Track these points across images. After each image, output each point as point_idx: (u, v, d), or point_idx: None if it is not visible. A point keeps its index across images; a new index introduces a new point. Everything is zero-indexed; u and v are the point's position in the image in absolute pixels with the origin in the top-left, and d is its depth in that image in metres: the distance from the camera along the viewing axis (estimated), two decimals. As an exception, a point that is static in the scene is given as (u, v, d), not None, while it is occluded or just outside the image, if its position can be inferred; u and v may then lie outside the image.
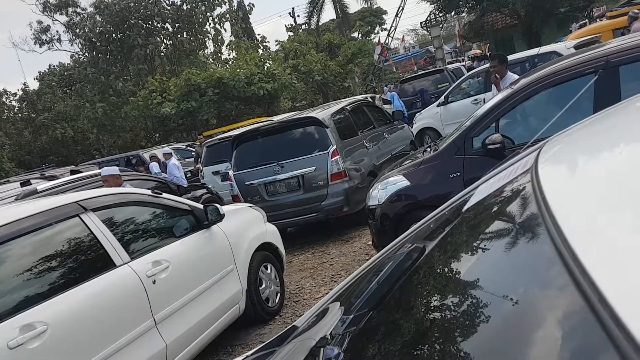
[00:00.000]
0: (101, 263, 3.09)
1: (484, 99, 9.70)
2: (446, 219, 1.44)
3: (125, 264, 3.20)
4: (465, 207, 1.34)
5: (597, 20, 17.32)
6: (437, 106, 11.43)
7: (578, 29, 16.07)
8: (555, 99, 3.93)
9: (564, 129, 1.30)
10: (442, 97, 11.51)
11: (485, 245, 1.09)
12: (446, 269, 1.20)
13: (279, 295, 4.75)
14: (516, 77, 5.70)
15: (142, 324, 3.12)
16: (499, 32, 28.39)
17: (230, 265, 4.12)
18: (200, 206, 4.12)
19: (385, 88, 17.90)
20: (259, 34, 31.99)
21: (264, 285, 4.53)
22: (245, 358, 1.56)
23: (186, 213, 3.99)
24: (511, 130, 4.11)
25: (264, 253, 4.65)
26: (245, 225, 4.57)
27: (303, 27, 38.14)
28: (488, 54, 17.71)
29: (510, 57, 10.01)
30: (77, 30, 26.32)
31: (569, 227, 0.68)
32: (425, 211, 1.66)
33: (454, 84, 11.84)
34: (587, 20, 21.89)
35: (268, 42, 29.55)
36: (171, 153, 10.98)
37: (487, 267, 1.02)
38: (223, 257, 4.10)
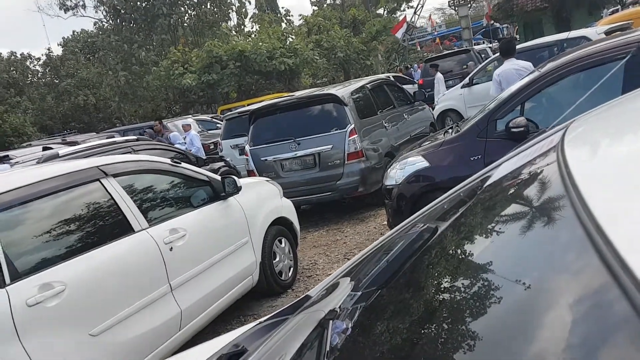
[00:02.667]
0: (120, 228, 3.15)
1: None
2: (462, 199, 1.42)
3: (144, 229, 3.26)
4: (485, 187, 1.32)
5: (630, 6, 16.72)
6: (462, 87, 11.23)
7: (610, 14, 15.56)
8: (582, 84, 3.82)
9: (591, 110, 1.26)
10: (467, 78, 11.29)
11: (503, 226, 1.06)
12: (459, 250, 1.19)
13: (292, 269, 4.80)
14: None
15: (159, 289, 3.19)
16: (529, 14, 27.59)
17: (245, 237, 4.17)
18: (218, 178, 4.16)
19: (412, 68, 17.68)
20: (282, 7, 31.78)
21: (277, 259, 4.58)
22: (258, 324, 1.59)
23: (204, 184, 4.03)
24: (536, 114, 4.02)
25: (279, 227, 4.69)
26: (261, 199, 4.59)
27: (328, 1, 37.54)
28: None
29: (538, 41, 9.76)
30: (102, -3, 26.37)
31: (599, 209, 0.66)
32: (443, 193, 1.64)
33: (480, 66, 11.60)
34: (619, 6, 21.16)
35: (292, 16, 29.39)
36: (190, 124, 10.99)
37: (505, 247, 0.99)
38: (239, 228, 4.14)
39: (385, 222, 5.50)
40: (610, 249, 0.56)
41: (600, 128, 1.09)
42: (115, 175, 3.30)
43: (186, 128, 10.62)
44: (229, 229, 4.04)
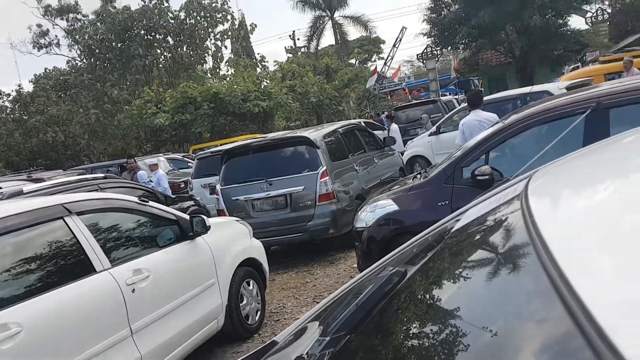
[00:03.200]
0: (81, 268, 3.04)
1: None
2: (430, 243, 1.44)
3: (106, 270, 3.15)
4: (453, 232, 1.34)
5: (590, 64, 17.73)
6: (429, 135, 11.59)
7: (570, 71, 16.45)
8: (544, 136, 3.99)
9: (553, 161, 1.31)
10: (435, 127, 11.67)
11: (470, 271, 1.08)
12: (428, 295, 1.19)
13: (259, 313, 4.69)
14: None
15: (118, 333, 3.06)
16: (493, 69, 28.90)
17: (212, 278, 4.08)
18: (186, 217, 4.09)
19: (382, 115, 18.16)
20: (258, 54, 32.30)
21: (244, 302, 4.47)
22: None
23: (171, 223, 3.95)
24: (500, 164, 4.15)
25: (248, 269, 4.61)
26: (230, 239, 4.53)
27: (302, 50, 38.55)
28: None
29: (503, 94, 10.21)
30: (77, 37, 26.38)
31: (563, 257, 0.67)
32: (412, 237, 1.66)
33: (447, 116, 12.02)
34: (580, 63, 22.40)
35: (267, 62, 29.87)
36: (157, 164, 10.70)
37: (472, 293, 1.00)
38: (205, 270, 4.05)
39: (356, 265, 5.48)
40: (574, 298, 0.57)
41: (561, 179, 1.13)
42: (79, 214, 3.21)
43: (153, 167, 10.12)
44: (195, 270, 3.94)
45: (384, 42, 45.18)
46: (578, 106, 3.78)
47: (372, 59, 43.86)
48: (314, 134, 6.94)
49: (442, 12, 26.72)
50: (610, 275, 0.60)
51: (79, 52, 27.04)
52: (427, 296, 1.18)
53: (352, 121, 11.83)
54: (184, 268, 3.83)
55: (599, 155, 1.20)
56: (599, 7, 28.55)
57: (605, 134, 3.44)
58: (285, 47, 42.14)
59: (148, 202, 3.92)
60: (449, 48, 29.38)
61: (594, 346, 0.49)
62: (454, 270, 1.16)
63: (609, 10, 28.47)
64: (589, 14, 27.64)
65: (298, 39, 38.97)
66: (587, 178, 1.06)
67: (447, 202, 4.11)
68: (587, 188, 1.00)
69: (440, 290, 1.15)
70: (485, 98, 11.27)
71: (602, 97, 3.72)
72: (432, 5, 26.97)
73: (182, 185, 11.31)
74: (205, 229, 4.08)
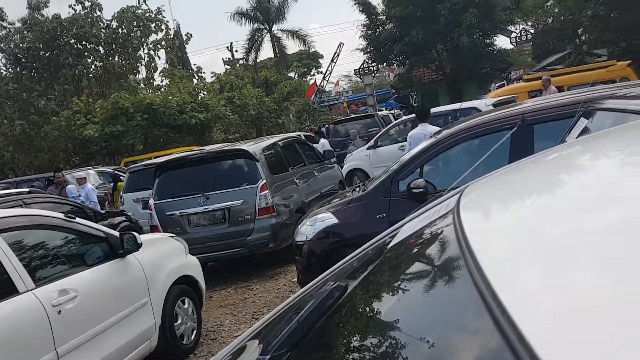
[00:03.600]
0: (3, 289, 2.84)
1: None
2: (369, 257, 1.45)
3: (29, 290, 2.95)
4: (389, 246, 1.36)
5: (514, 82, 18.86)
6: (367, 149, 11.84)
7: (497, 88, 17.41)
8: (474, 150, 4.19)
9: (483, 176, 1.37)
10: (372, 141, 11.96)
11: (407, 285, 1.10)
12: (368, 309, 1.20)
13: (195, 332, 4.55)
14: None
15: (44, 357, 2.87)
16: (426, 85, 30.10)
17: (144, 298, 3.91)
18: (116, 234, 3.92)
19: (322, 128, 18.39)
20: (194, 64, 31.76)
21: (179, 321, 4.32)
22: None
23: (100, 240, 3.77)
24: (434, 177, 4.30)
25: (183, 287, 4.47)
26: (163, 256, 4.38)
27: (241, 62, 38.36)
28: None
29: (435, 110, 10.64)
30: (2, 45, 24.83)
31: (491, 270, 0.69)
32: (352, 249, 1.68)
33: (383, 130, 12.34)
34: (505, 81, 23.77)
35: (204, 73, 29.42)
36: (85, 177, 10.28)
37: (410, 306, 1.02)
38: (137, 289, 3.89)
39: (296, 279, 5.45)
40: (500, 309, 0.58)
41: (490, 194, 1.18)
42: (0, 231, 2.99)
43: (81, 181, 9.77)
44: (126, 289, 3.78)
45: (322, 56, 45.94)
46: (505, 122, 4.00)
47: (311, 73, 44.39)
48: (253, 146, 6.89)
49: (378, 30, 27.56)
50: (533, 286, 0.63)
51: (4, 60, 25.42)
52: (368, 309, 1.19)
53: (292, 134, 11.87)
54: (114, 287, 3.67)
55: (525, 171, 1.27)
56: (523, 28, 30.57)
57: (530, 148, 3.67)
58: (223, 59, 41.79)
59: (75, 218, 3.72)
60: (385, 64, 30.32)
61: (517, 354, 0.51)
62: (393, 284, 1.18)
63: (532, 31, 30.51)
64: (513, 35, 29.49)
65: (236, 51, 38.81)
66: (513, 193, 1.12)
67: (384, 214, 4.20)
68: (513, 202, 1.05)
69: (380, 303, 1.16)
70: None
71: (526, 113, 3.96)
72: (368, 22, 27.77)
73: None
74: (137, 246, 3.92)
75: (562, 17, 26.23)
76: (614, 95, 2.70)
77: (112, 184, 12.52)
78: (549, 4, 26.21)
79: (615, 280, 0.56)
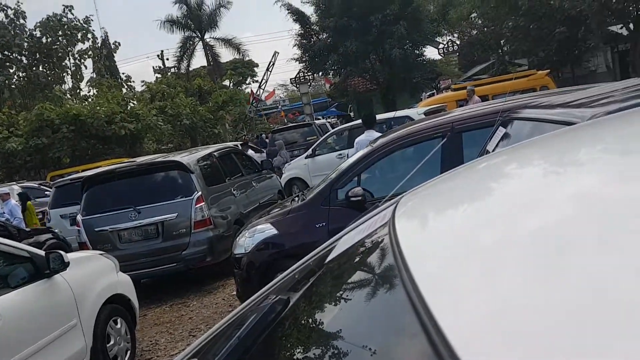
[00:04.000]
0: None
1: (347, 154, 10.36)
2: (310, 269, 1.45)
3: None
4: (329, 259, 1.37)
5: (444, 91, 19.70)
6: (305, 158, 11.89)
7: (427, 97, 18.13)
8: (409, 157, 4.32)
9: (417, 186, 1.41)
10: (310, 149, 12.02)
11: (347, 296, 1.11)
12: (310, 320, 1.20)
13: (129, 352, 4.36)
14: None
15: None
16: (361, 94, 30.80)
17: (73, 319, 3.70)
18: (42, 253, 3.68)
19: (262, 135, 18.32)
20: (123, 73, 30.62)
21: (112, 342, 4.13)
22: None
23: (24, 260, 3.52)
24: (371, 184, 4.38)
25: (114, 306, 4.28)
26: (93, 275, 4.17)
27: (172, 70, 37.41)
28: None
29: (381, 117, 10.89)
30: None
31: (421, 277, 0.71)
32: (292, 260, 1.66)
33: (321, 138, 12.46)
34: (435, 90, 24.79)
35: (133, 82, 28.43)
36: (9, 193, 9.79)
37: (349, 317, 1.03)
38: (65, 310, 3.67)
39: (235, 293, 5.35)
40: (428, 316, 0.60)
41: (423, 204, 1.22)
42: None
43: (4, 197, 9.42)
44: (53, 311, 3.57)
45: (257, 65, 45.76)
46: (436, 130, 4.16)
47: (247, 82, 44.11)
48: (188, 158, 6.71)
49: (312, 39, 27.91)
50: (461, 293, 0.65)
51: None
52: (310, 321, 1.19)
53: (228, 144, 11.72)
54: (41, 310, 3.45)
55: (456, 181, 1.32)
56: (450, 39, 32.06)
57: (460, 155, 3.83)
58: (153, 67, 40.60)
59: (-6, 238, 3.46)
60: (320, 73, 30.73)
61: (441, 356, 0.52)
62: (334, 296, 1.19)
63: (458, 42, 32.06)
64: (441, 46, 30.86)
65: (167, 59, 37.80)
66: (445, 202, 1.16)
67: (324, 223, 4.22)
68: (445, 212, 1.09)
69: (322, 314, 1.17)
70: (354, 123, 12.11)
71: (455, 122, 4.13)
72: (302, 32, 28.06)
73: (39, 217, 10.31)
74: (64, 265, 3.70)
75: (485, 29, 27.75)
76: (529, 105, 2.89)
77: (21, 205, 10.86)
78: (473, 16, 27.64)
79: (539, 284, 0.58)
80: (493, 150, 2.64)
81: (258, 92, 31.48)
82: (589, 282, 0.53)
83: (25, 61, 23.55)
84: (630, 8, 19.73)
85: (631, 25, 19.95)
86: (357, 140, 6.71)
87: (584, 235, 0.64)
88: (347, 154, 10.31)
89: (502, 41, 26.80)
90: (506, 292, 0.60)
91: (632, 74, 18.17)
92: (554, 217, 0.75)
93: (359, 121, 11.19)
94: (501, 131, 2.76)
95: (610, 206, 0.69)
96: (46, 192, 13.05)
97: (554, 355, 0.46)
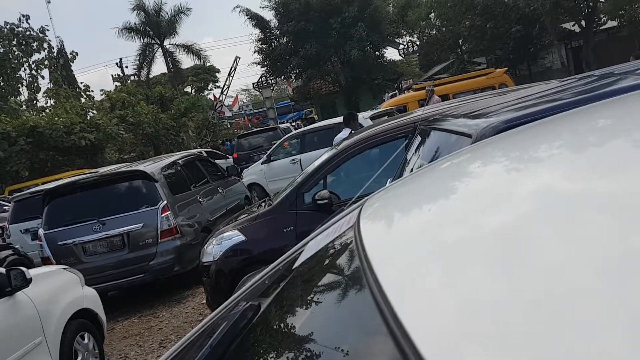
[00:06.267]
0: None
1: (300, 159, 10.44)
2: (280, 274, 1.46)
3: None
4: (297, 263, 1.39)
5: (405, 91, 19.96)
6: (262, 164, 11.85)
7: (390, 98, 18.33)
8: (374, 158, 4.38)
9: (381, 188, 1.44)
10: (265, 155, 11.98)
11: (317, 299, 1.12)
12: (282, 325, 1.21)
13: (98, 368, 4.25)
14: None
15: None
16: (324, 97, 30.90)
17: (38, 337, 3.60)
18: (2, 270, 3.56)
19: (228, 143, 18.18)
20: (81, 83, 29.77)
21: (80, 358, 4.04)
22: None
23: (-17, 280, 3.40)
24: (337, 187, 4.42)
25: (81, 321, 4.18)
26: (57, 291, 4.06)
27: (132, 78, 36.61)
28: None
29: (331, 121, 10.97)
30: None
31: (385, 279, 0.73)
32: (261, 266, 1.67)
33: (276, 144, 12.42)
34: (397, 90, 25.08)
35: (92, 91, 27.69)
36: None
37: (320, 321, 1.05)
38: (29, 328, 3.56)
39: (205, 301, 5.29)
40: (393, 317, 0.61)
41: (387, 206, 1.25)
42: None
43: None
44: (16, 330, 3.46)
45: (219, 70, 45.25)
46: (398, 131, 4.23)
47: (209, 88, 43.54)
48: (151, 166, 6.60)
49: (273, 44, 27.85)
50: (425, 293, 0.67)
51: None
52: (282, 326, 1.20)
53: (192, 151, 11.58)
54: (3, 329, 3.35)
55: (419, 182, 1.36)
56: (410, 40, 32.54)
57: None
58: (112, 75, 39.61)
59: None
60: (283, 77, 30.70)
61: (405, 354, 0.54)
62: (306, 297, 1.20)
63: (418, 43, 32.55)
64: (401, 46, 31.28)
65: (126, 67, 37.00)
66: (408, 204, 1.19)
67: (292, 227, 4.23)
68: (409, 213, 1.12)
69: (293, 317, 1.17)
70: (316, 125, 12.21)
71: (417, 122, 4.21)
72: (263, 36, 27.96)
73: None
74: (26, 282, 3.59)
75: (443, 29, 28.31)
76: (442, 114, 3.09)
77: None
78: (431, 16, 28.14)
79: (503, 282, 0.60)
80: (411, 158, 2.85)
81: (221, 97, 31.18)
82: (550, 278, 0.55)
83: (-23, 73, 22.64)
84: (582, 5, 20.53)
85: (583, 23, 20.77)
86: (336, 138, 6.97)
87: (542, 231, 0.66)
88: (300, 159, 10.45)
89: (460, 40, 27.38)
90: (470, 291, 0.61)
91: (585, 69, 18.88)
92: (517, 212, 0.77)
93: (321, 123, 11.24)
94: (417, 139, 2.96)
95: (564, 203, 0.72)
96: (4, 207, 12.54)
97: (519, 352, 0.46)
